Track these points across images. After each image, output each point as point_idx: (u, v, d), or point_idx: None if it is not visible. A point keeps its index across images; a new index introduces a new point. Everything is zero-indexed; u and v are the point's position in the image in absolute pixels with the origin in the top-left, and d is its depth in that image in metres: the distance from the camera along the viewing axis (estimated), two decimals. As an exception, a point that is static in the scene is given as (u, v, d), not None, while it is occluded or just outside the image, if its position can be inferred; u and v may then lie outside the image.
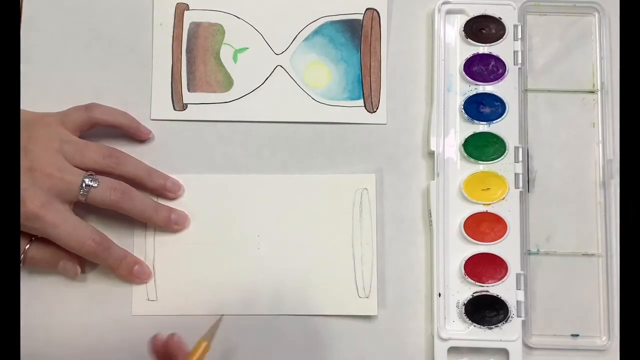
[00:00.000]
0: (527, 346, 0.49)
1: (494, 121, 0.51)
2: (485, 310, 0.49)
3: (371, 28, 0.53)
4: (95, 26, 0.53)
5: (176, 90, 0.52)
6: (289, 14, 0.53)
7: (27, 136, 0.46)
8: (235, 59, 0.53)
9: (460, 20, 0.52)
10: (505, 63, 0.52)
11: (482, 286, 0.49)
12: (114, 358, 0.49)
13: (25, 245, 0.46)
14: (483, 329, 0.49)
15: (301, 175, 0.51)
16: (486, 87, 0.51)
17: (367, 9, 0.53)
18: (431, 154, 0.51)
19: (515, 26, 0.52)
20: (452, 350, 0.48)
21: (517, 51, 0.52)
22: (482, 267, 0.49)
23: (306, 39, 0.53)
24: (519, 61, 0.52)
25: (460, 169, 0.51)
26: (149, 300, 0.49)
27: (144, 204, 0.48)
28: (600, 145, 0.52)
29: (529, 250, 0.50)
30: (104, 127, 0.49)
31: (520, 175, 0.50)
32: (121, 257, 0.48)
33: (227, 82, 0.52)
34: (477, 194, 0.50)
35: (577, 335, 0.50)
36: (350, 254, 0.50)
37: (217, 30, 0.53)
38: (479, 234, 0.50)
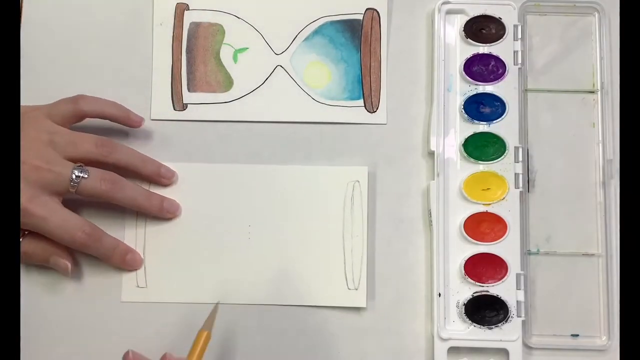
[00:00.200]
0: (527, 346, 0.49)
1: (494, 121, 0.51)
2: (485, 310, 0.49)
3: (371, 28, 0.53)
4: (95, 26, 0.53)
5: (176, 90, 0.52)
6: (289, 14, 0.53)
7: None
8: (235, 59, 0.53)
9: (460, 20, 0.52)
10: (505, 63, 0.52)
11: (482, 286, 0.49)
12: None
13: None
14: (483, 329, 0.49)
15: (293, 166, 0.51)
16: (486, 87, 0.51)
17: (367, 9, 0.53)
18: (431, 154, 0.51)
19: (515, 26, 0.52)
20: (452, 350, 0.48)
21: (517, 51, 0.52)
22: (482, 267, 0.49)
23: (306, 39, 0.53)
24: (519, 61, 0.52)
25: (460, 169, 0.51)
26: (138, 287, 0.50)
27: (135, 192, 0.48)
28: (600, 145, 0.52)
29: (529, 250, 0.50)
30: (93, 118, 0.49)
31: (520, 175, 0.50)
32: (113, 246, 0.48)
33: (227, 82, 0.52)
34: (477, 194, 0.50)
35: (577, 335, 0.50)
36: (341, 245, 0.50)
37: (217, 30, 0.53)
38: (479, 234, 0.50)
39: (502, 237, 0.50)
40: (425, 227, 0.51)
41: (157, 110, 0.52)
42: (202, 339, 0.44)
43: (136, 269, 0.50)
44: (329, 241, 0.50)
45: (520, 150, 0.51)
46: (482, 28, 0.52)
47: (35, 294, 0.49)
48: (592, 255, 0.51)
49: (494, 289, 0.49)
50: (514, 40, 0.52)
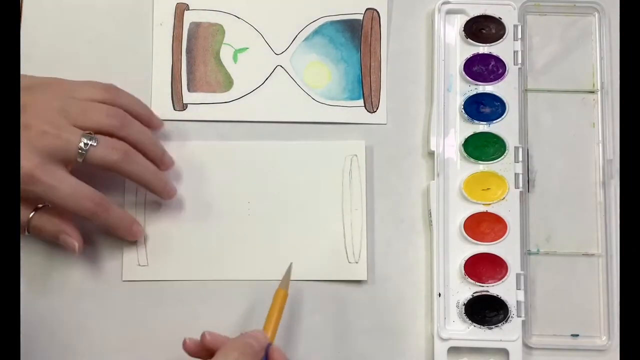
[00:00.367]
0: (527, 346, 0.49)
1: (494, 121, 0.51)
2: (485, 310, 0.49)
3: (371, 28, 0.53)
4: (95, 26, 0.53)
5: (176, 90, 0.52)
6: (289, 14, 0.53)
7: (29, 96, 0.44)
8: (235, 59, 0.53)
9: (460, 20, 0.52)
10: (505, 63, 0.52)
11: (482, 286, 0.49)
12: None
13: (29, 214, 0.45)
14: (483, 329, 0.49)
15: (291, 142, 0.52)
16: (486, 87, 0.51)
17: (367, 9, 0.53)
18: (431, 154, 0.51)
19: (515, 26, 0.52)
20: (452, 350, 0.48)
21: (517, 51, 0.52)
22: (482, 267, 0.49)
23: (306, 39, 0.53)
24: (519, 61, 0.52)
25: (460, 169, 0.51)
26: (139, 265, 0.50)
27: (145, 167, 0.47)
28: (600, 145, 0.51)
29: (529, 250, 0.50)
30: None
31: (520, 175, 0.50)
32: (120, 217, 0.47)
33: (227, 82, 0.52)
34: (477, 194, 0.50)
35: (577, 335, 0.50)
36: (340, 220, 0.50)
37: (217, 30, 0.53)
38: (479, 234, 0.50)
39: (502, 237, 0.50)
40: (425, 227, 0.51)
41: (157, 110, 0.52)
42: (279, 298, 0.45)
43: (137, 239, 0.49)
44: (329, 216, 0.50)
45: (520, 150, 0.51)
46: (482, 28, 0.52)
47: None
48: (592, 255, 0.51)
49: (494, 289, 0.49)
50: (514, 40, 0.52)
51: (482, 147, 0.51)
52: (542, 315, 0.50)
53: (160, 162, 0.49)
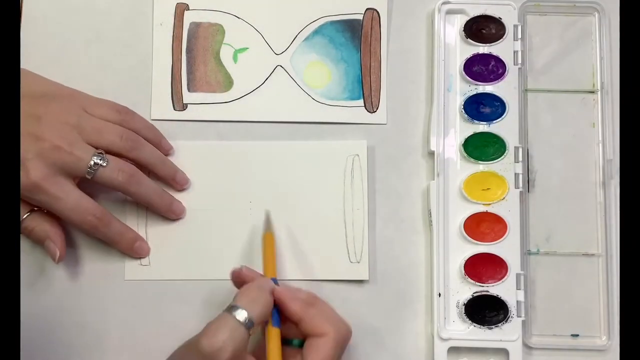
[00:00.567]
0: (527, 346, 0.49)
1: (494, 121, 0.51)
2: (485, 310, 0.49)
3: (371, 28, 0.53)
4: (95, 26, 0.53)
5: (176, 90, 0.52)
6: (289, 14, 0.53)
7: (45, 106, 0.45)
8: (235, 59, 0.53)
9: (460, 20, 0.52)
10: (505, 63, 0.52)
11: (482, 286, 0.49)
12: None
13: (24, 215, 0.46)
14: (483, 329, 0.49)
15: (293, 142, 0.52)
16: (486, 87, 0.52)
17: (367, 9, 0.53)
18: (431, 154, 0.51)
19: (515, 26, 0.52)
20: (452, 350, 0.48)
21: (517, 51, 0.52)
22: (482, 267, 0.49)
23: (306, 39, 0.53)
24: (519, 61, 0.52)
25: (460, 169, 0.51)
26: (141, 265, 0.50)
27: (150, 189, 0.48)
28: (600, 145, 0.52)
29: (529, 250, 0.50)
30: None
31: (520, 175, 0.50)
32: (121, 232, 0.48)
33: (227, 82, 0.52)
34: (477, 194, 0.50)
35: (577, 335, 0.50)
36: (342, 219, 0.50)
37: (217, 30, 0.53)
38: (479, 234, 0.50)
39: (502, 237, 0.50)
40: (425, 227, 0.51)
41: (157, 110, 0.52)
42: (268, 242, 0.47)
43: (142, 257, 0.50)
44: (330, 215, 0.50)
45: (520, 150, 0.51)
46: (482, 28, 0.52)
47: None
48: (592, 255, 0.51)
49: (494, 289, 0.49)
50: (514, 40, 0.52)
51: (482, 147, 0.51)
52: (542, 315, 0.50)
53: (173, 181, 0.50)
